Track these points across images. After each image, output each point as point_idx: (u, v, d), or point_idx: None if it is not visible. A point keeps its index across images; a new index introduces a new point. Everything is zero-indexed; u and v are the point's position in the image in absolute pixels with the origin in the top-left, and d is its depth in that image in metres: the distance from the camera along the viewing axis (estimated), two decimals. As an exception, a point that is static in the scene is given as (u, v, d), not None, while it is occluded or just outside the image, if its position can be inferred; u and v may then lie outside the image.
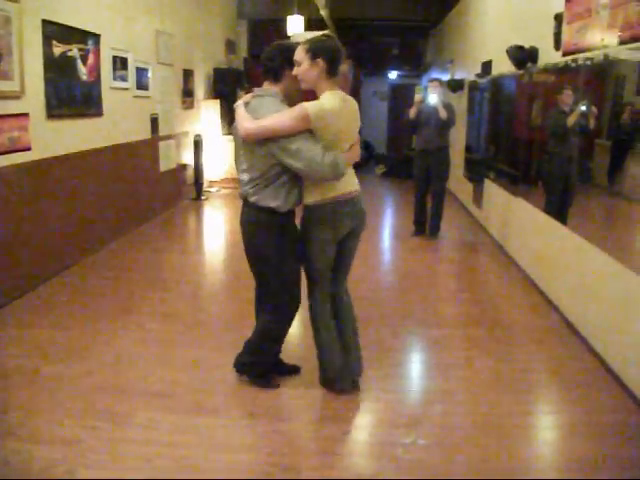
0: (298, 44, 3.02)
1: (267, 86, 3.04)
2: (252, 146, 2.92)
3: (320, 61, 2.95)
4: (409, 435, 2.92)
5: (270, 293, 3.22)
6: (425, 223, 7.11)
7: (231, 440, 2.86)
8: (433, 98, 6.57)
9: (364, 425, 3.14)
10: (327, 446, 2.84)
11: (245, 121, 2.90)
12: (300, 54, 2.96)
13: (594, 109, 4.33)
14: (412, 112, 6.68)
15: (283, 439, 2.89)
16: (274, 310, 3.22)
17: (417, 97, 6.64)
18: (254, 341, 3.32)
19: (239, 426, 2.98)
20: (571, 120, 4.58)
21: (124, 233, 6.62)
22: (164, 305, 4.65)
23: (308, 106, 2.85)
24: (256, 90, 3.06)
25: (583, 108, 4.46)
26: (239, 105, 3.01)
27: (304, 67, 2.97)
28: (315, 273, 3.21)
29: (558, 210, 4.83)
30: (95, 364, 3.58)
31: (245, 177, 3.03)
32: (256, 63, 12.05)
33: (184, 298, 4.88)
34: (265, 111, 2.89)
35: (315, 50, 2.95)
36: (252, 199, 3.02)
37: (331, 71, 2.98)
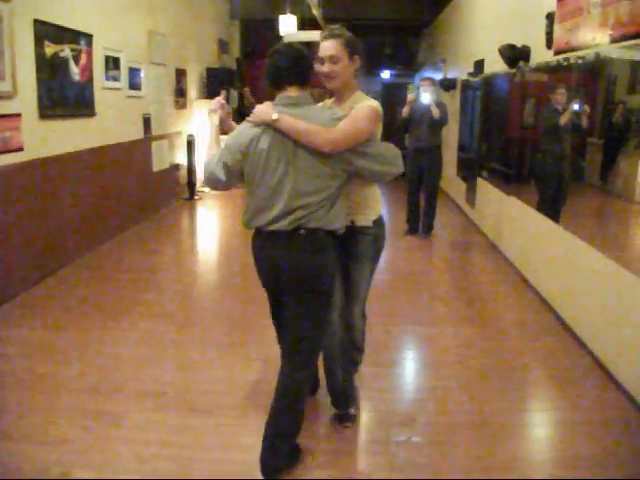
0: (302, 44, 2.66)
1: (295, 92, 2.52)
2: (317, 163, 2.45)
3: (357, 58, 2.77)
4: (403, 433, 2.93)
5: (307, 333, 2.60)
6: (418, 222, 7.12)
7: (225, 439, 2.86)
8: (426, 97, 6.57)
9: (357, 423, 3.15)
10: (321, 444, 2.85)
11: (322, 133, 2.41)
12: (338, 49, 2.67)
13: (587, 108, 4.34)
14: (405, 111, 6.67)
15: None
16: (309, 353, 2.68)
17: (409, 96, 6.62)
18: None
19: (233, 425, 2.98)
20: (564, 119, 4.60)
21: (117, 233, 6.61)
22: (157, 305, 4.65)
23: (376, 105, 2.67)
24: (284, 99, 2.51)
25: (576, 107, 4.47)
26: (285, 118, 2.43)
27: (344, 64, 2.73)
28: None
29: (551, 208, 4.85)
30: (89, 364, 3.58)
31: (305, 201, 2.45)
32: (249, 63, 12.08)
33: (177, 298, 4.88)
34: (319, 120, 2.46)
35: (354, 45, 2.74)
36: (317, 224, 2.48)
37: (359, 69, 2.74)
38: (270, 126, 2.45)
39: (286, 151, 2.45)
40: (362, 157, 2.55)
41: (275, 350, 3.76)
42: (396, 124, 6.84)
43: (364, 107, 2.61)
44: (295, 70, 2.52)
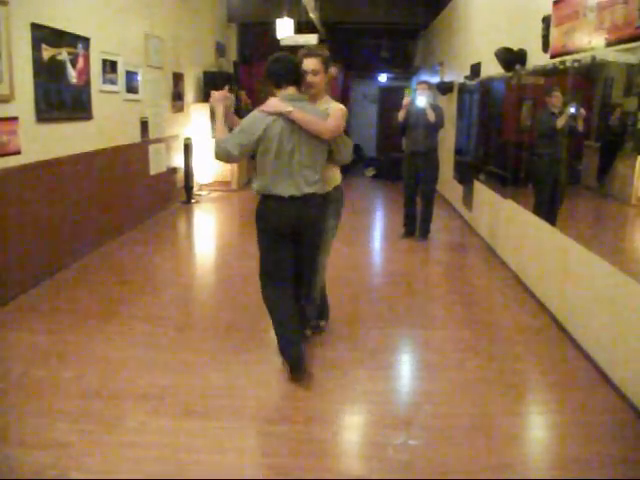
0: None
1: (292, 91, 3.43)
2: (317, 144, 3.42)
3: (329, 71, 3.64)
4: (399, 436, 2.93)
5: (318, 259, 3.80)
6: (415, 225, 7.13)
7: (222, 443, 2.85)
8: (421, 101, 6.57)
9: (354, 426, 3.16)
10: (317, 447, 2.84)
11: (323, 121, 3.40)
12: (318, 65, 3.55)
13: (582, 111, 4.35)
14: (400, 115, 6.70)
15: (273, 441, 2.89)
16: (321, 269, 3.90)
17: (405, 100, 6.66)
18: (319, 302, 4.01)
19: (230, 428, 2.97)
20: (560, 122, 4.60)
21: (114, 237, 6.60)
22: (155, 308, 4.64)
23: (344, 107, 3.60)
24: (291, 95, 3.41)
25: (572, 110, 4.48)
26: (297, 111, 3.31)
27: (322, 76, 3.60)
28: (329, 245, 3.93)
29: (547, 211, 4.86)
30: (85, 367, 3.57)
31: (308, 173, 3.42)
32: (246, 67, 12.08)
33: (175, 301, 4.87)
34: (315, 113, 3.41)
35: (328, 62, 3.62)
36: (316, 189, 3.48)
37: None
38: (281, 115, 3.29)
39: (292, 135, 3.33)
40: (336, 143, 3.57)
41: (273, 353, 3.80)
42: (394, 128, 6.89)
43: (339, 108, 3.56)
44: (294, 75, 3.43)
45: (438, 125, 6.73)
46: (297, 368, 3.43)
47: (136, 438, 2.87)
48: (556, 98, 4.80)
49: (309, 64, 3.54)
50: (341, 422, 3.16)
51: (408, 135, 6.87)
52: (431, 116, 6.57)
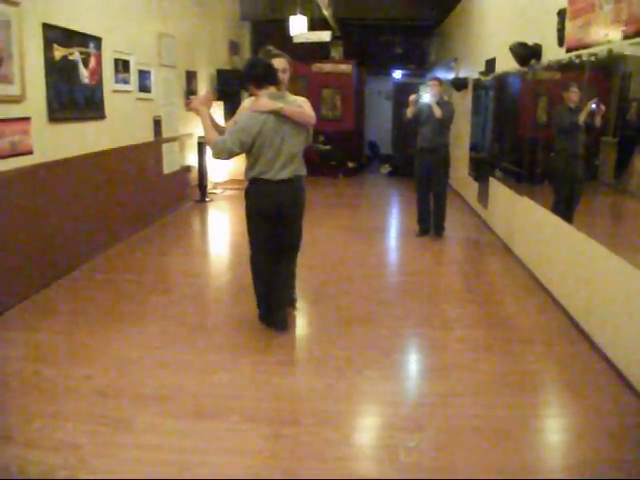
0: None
1: (274, 90, 3.86)
2: (299, 134, 3.92)
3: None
4: (412, 439, 2.88)
5: (299, 237, 4.25)
6: (429, 222, 7.07)
7: (232, 444, 2.83)
8: (426, 97, 6.56)
9: (365, 428, 3.12)
10: (328, 450, 2.80)
11: (307, 115, 3.94)
12: (285, 64, 4.06)
13: (602, 107, 4.26)
14: (409, 112, 6.68)
15: (284, 443, 2.85)
16: (298, 249, 4.32)
17: (412, 96, 6.63)
18: (293, 280, 4.44)
19: (240, 430, 2.94)
20: (582, 118, 4.49)
21: (127, 236, 6.61)
22: (169, 308, 4.63)
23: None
24: (275, 94, 3.85)
25: (593, 106, 4.36)
26: (287, 107, 3.81)
27: (287, 74, 4.09)
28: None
29: (565, 208, 4.79)
30: (96, 368, 3.56)
31: (290, 160, 3.91)
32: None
33: (187, 301, 4.85)
34: (296, 106, 3.91)
35: (291, 62, 4.16)
36: (302, 173, 4.05)
37: None
38: (272, 112, 3.75)
39: (281, 129, 3.82)
40: (307, 131, 4.06)
41: (284, 354, 3.77)
42: (404, 124, 6.96)
43: (305, 100, 4.11)
44: (273, 76, 3.87)
45: (444, 121, 6.69)
46: (282, 328, 4.09)
47: (145, 439, 2.85)
48: (574, 93, 4.70)
49: (278, 64, 3.97)
50: (352, 424, 3.12)
51: (420, 132, 6.84)
52: (437, 113, 6.54)
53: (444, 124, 6.72)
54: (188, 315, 4.51)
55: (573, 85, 4.71)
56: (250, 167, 3.94)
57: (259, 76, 3.82)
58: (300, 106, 3.96)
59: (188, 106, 4.00)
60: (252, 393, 3.32)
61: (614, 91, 4.14)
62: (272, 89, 3.85)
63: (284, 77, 4.03)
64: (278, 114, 3.78)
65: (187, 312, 4.57)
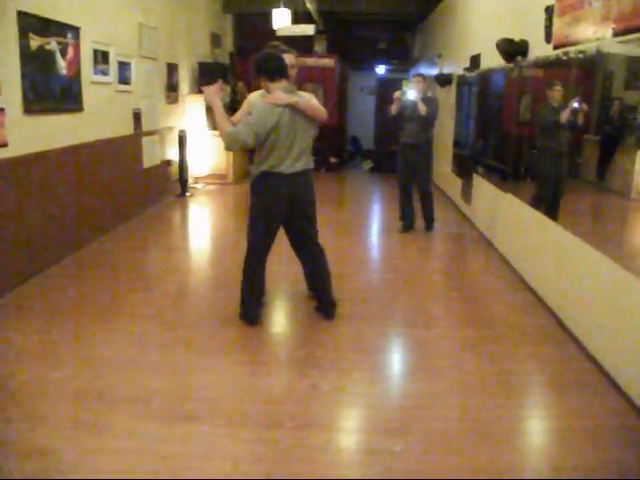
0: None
1: (286, 84, 3.85)
2: (309, 129, 3.94)
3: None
4: (398, 442, 2.82)
5: (315, 226, 4.26)
6: (411, 219, 7.04)
7: (213, 449, 2.74)
8: (412, 94, 6.52)
9: (350, 431, 3.04)
10: (311, 455, 2.73)
11: (321, 109, 3.98)
12: (293, 60, 4.10)
13: (585, 105, 4.27)
14: (393, 108, 6.64)
15: (266, 447, 2.77)
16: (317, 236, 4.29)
17: (396, 93, 6.59)
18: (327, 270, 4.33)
19: (221, 434, 2.86)
20: (564, 116, 4.49)
21: (106, 231, 6.47)
22: (147, 306, 4.51)
23: None
24: (287, 87, 3.83)
25: (576, 105, 4.37)
26: (302, 101, 3.82)
27: (295, 70, 4.15)
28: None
29: (548, 206, 4.77)
30: (73, 369, 3.45)
31: (302, 153, 3.92)
32: (242, 58, 11.91)
33: (168, 298, 4.74)
34: (307, 100, 3.91)
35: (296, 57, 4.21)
36: (311, 166, 4.07)
37: None
38: (287, 106, 3.75)
39: (294, 123, 3.82)
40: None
41: (267, 353, 3.69)
42: (387, 120, 6.95)
43: (313, 96, 4.09)
44: (285, 70, 3.86)
45: (430, 118, 6.68)
46: (255, 323, 4.12)
47: (124, 445, 2.75)
48: (557, 92, 4.73)
49: (287, 59, 3.95)
50: (336, 427, 3.04)
51: (403, 128, 6.82)
52: (422, 109, 6.51)
53: (428, 120, 6.70)
54: (167, 313, 4.40)
55: (556, 83, 4.72)
56: (260, 161, 3.89)
57: (273, 70, 3.80)
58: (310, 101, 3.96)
59: (202, 95, 3.95)
60: (233, 395, 3.23)
61: (597, 89, 4.15)
62: (285, 83, 3.84)
63: (292, 72, 4.03)
64: (293, 108, 3.78)
65: (166, 310, 4.46)
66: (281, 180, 3.88)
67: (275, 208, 3.96)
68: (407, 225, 7.03)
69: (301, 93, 3.95)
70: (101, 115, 6.32)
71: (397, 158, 7.06)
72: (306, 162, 3.99)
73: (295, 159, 3.89)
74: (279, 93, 3.78)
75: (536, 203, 5.04)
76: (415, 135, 6.71)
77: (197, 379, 3.39)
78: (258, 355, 3.73)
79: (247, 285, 4.14)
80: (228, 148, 3.85)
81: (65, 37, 5.43)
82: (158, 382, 3.33)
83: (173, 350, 3.76)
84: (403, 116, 6.70)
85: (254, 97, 4.22)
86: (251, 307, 4.16)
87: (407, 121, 6.72)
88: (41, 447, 2.71)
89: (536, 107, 5.25)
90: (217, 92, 3.88)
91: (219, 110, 3.81)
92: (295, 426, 2.94)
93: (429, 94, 7.21)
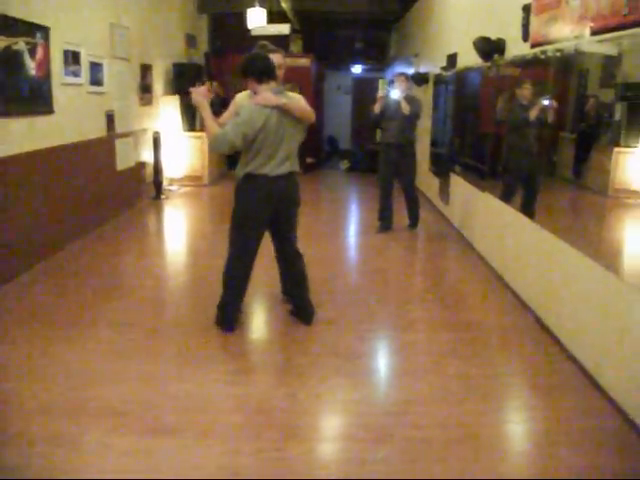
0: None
1: (274, 85, 3.80)
2: (296, 131, 3.88)
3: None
4: (379, 450, 2.75)
5: (295, 231, 4.18)
6: (391, 218, 7.00)
7: (189, 462, 2.65)
8: (395, 93, 6.54)
9: (330, 441, 2.96)
10: (289, 467, 2.65)
11: (309, 110, 3.93)
12: (281, 59, 4.07)
13: (554, 103, 4.36)
14: (376, 107, 6.65)
15: (245, 460, 2.68)
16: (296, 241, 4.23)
17: (380, 92, 6.63)
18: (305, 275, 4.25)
19: (198, 447, 2.77)
20: (532, 114, 4.60)
21: (79, 236, 6.32)
22: (120, 313, 4.39)
23: None
24: (275, 89, 3.78)
25: (545, 102, 4.47)
26: (289, 102, 3.78)
27: (283, 70, 4.12)
28: None
29: (523, 205, 4.83)
30: (44, 381, 3.33)
31: (288, 156, 3.87)
32: (218, 58, 11.79)
33: (142, 305, 4.62)
34: (295, 101, 3.87)
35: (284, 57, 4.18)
36: (297, 169, 3.99)
37: None
38: (276, 107, 3.70)
39: (282, 125, 3.77)
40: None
41: (245, 360, 3.60)
42: (369, 120, 6.98)
43: (302, 97, 4.02)
44: (273, 71, 3.80)
45: (413, 117, 6.67)
46: (233, 330, 4.04)
47: (96, 461, 2.65)
48: (526, 90, 4.85)
49: (274, 59, 3.89)
50: (317, 437, 2.97)
51: (386, 127, 6.79)
52: (405, 109, 6.51)
53: (411, 120, 6.69)
54: (144, 320, 4.28)
55: (526, 82, 4.84)
56: (246, 162, 3.83)
57: (260, 71, 3.75)
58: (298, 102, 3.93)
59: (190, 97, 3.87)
60: (210, 405, 3.14)
61: (573, 88, 4.17)
62: (272, 84, 3.79)
63: (279, 73, 4.01)
64: (281, 110, 3.74)
65: (142, 317, 4.34)
66: (266, 182, 3.82)
67: (260, 211, 3.89)
68: (385, 226, 6.98)
69: (290, 94, 3.91)
70: (72, 117, 6.18)
71: (379, 158, 7.05)
72: (292, 165, 3.93)
73: (281, 161, 3.84)
74: (267, 94, 3.73)
75: (504, 198, 5.15)
76: (397, 134, 6.69)
77: (173, 389, 3.28)
78: (235, 363, 3.63)
79: (229, 291, 4.05)
80: (216, 149, 3.80)
81: (34, 37, 5.28)
82: (131, 394, 3.23)
83: (148, 359, 3.65)
84: (385, 116, 6.69)
85: (241, 98, 4.17)
86: (230, 313, 4.07)
87: (390, 120, 6.70)
88: (7, 464, 2.60)
89: (505, 106, 5.31)
90: (205, 94, 3.83)
91: (207, 112, 3.78)
92: (274, 438, 2.86)
93: (412, 94, 7.19)
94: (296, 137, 3.93)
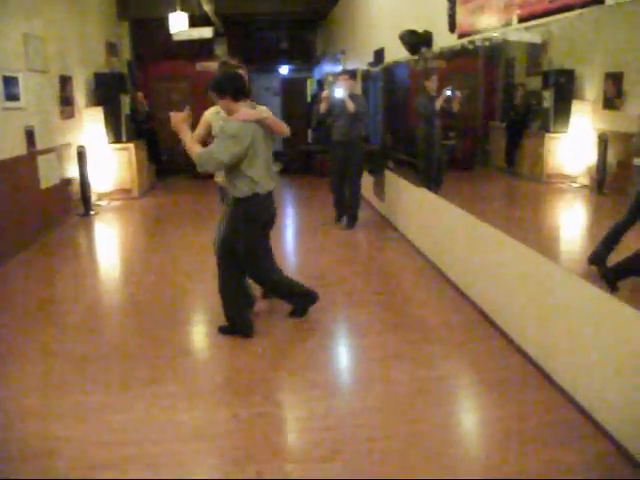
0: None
1: (248, 102, 3.89)
2: (272, 144, 4.02)
3: None
4: (332, 468, 2.62)
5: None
6: (345, 205, 7.15)
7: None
8: (339, 92, 6.65)
9: (279, 463, 2.74)
10: None
11: (283, 124, 4.06)
12: (246, 75, 4.08)
13: (458, 93, 4.76)
14: (322, 107, 6.84)
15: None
16: None
17: (324, 92, 6.85)
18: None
19: (138, 483, 2.58)
20: (438, 104, 5.05)
21: (4, 262, 5.96)
22: (50, 342, 4.09)
23: None
24: (250, 105, 3.86)
25: (448, 93, 4.87)
26: (269, 117, 3.90)
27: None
28: None
29: (433, 180, 5.33)
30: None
31: (270, 167, 4.02)
32: (141, 66, 11.45)
33: (73, 332, 4.32)
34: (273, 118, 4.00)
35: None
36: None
37: None
38: (258, 122, 3.77)
39: (265, 138, 3.86)
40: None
41: (184, 383, 3.40)
42: (316, 119, 7.51)
43: (269, 110, 4.08)
44: (248, 89, 3.97)
45: (360, 114, 6.79)
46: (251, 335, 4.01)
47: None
48: (433, 82, 5.27)
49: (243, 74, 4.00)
50: (265, 459, 2.76)
51: (335, 125, 6.94)
52: (350, 106, 6.61)
53: (358, 117, 6.79)
54: (73, 348, 4.01)
55: (432, 74, 5.25)
56: (243, 183, 3.83)
57: (237, 89, 3.78)
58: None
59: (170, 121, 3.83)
60: (150, 435, 2.94)
61: (500, 76, 4.20)
62: (248, 101, 3.89)
63: None
64: (260, 123, 3.81)
65: (72, 344, 4.07)
66: (265, 200, 3.93)
67: (259, 228, 4.00)
68: (341, 214, 7.22)
69: (262, 108, 3.99)
70: (-13, 136, 5.83)
71: (329, 155, 7.25)
72: (273, 176, 4.05)
73: (270, 175, 3.96)
74: (248, 110, 3.80)
75: (423, 182, 5.57)
76: (345, 132, 6.83)
77: (109, 421, 3.07)
78: (173, 386, 3.42)
79: (234, 302, 4.05)
80: (203, 169, 3.77)
81: (-64, 53, 4.95)
82: (66, 429, 3.00)
83: (81, 390, 3.42)
84: (333, 114, 6.83)
85: (211, 115, 4.25)
86: (247, 317, 4.12)
87: (336, 119, 6.85)
88: None
89: (414, 98, 5.80)
90: (185, 119, 3.82)
91: (188, 137, 3.80)
92: (219, 463, 2.69)
93: (356, 92, 7.22)
94: (271, 150, 4.02)
